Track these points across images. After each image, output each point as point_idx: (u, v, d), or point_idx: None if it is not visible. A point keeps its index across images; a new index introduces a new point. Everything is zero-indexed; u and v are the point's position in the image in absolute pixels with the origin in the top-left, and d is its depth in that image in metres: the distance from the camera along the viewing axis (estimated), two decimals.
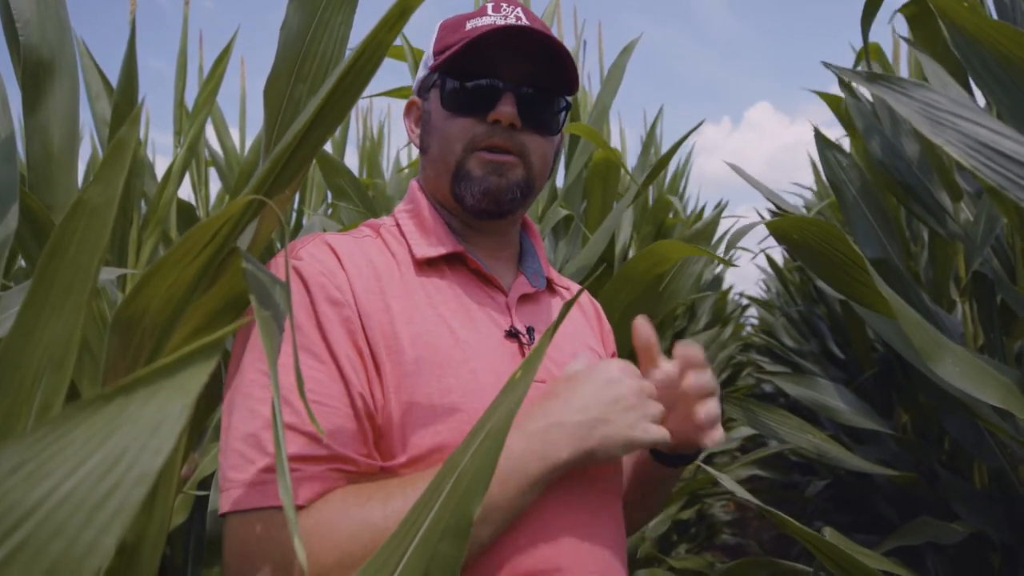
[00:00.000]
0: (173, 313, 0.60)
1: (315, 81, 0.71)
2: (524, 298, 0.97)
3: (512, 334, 0.90)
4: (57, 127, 0.84)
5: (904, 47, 2.46)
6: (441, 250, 0.92)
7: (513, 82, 0.91)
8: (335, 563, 0.69)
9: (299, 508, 0.71)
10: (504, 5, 0.94)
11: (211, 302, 0.69)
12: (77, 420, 0.30)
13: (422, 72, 0.99)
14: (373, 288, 0.84)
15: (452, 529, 0.49)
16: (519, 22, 0.91)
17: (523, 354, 0.90)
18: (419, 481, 0.72)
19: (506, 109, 0.89)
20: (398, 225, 0.97)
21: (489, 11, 0.93)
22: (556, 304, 1.03)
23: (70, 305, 0.52)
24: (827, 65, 1.27)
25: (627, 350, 0.94)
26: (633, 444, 0.78)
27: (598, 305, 1.18)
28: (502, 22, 0.90)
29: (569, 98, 0.97)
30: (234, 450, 0.73)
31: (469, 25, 0.92)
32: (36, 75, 0.81)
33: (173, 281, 0.57)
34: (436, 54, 0.95)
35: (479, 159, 0.90)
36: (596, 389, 0.79)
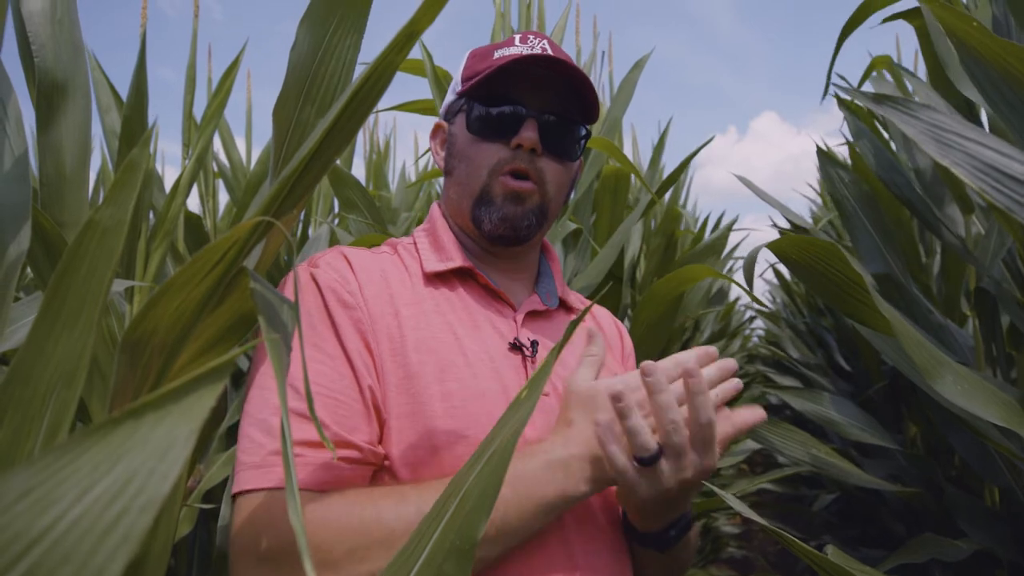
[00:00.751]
0: (182, 332, 0.61)
1: (323, 103, 0.72)
2: (534, 315, 0.99)
3: (516, 346, 0.92)
4: (69, 146, 0.86)
5: (918, 52, 2.46)
6: (451, 264, 0.95)
7: (536, 109, 0.94)
8: (345, 553, 0.70)
9: (304, 491, 0.74)
10: (531, 37, 0.97)
11: (219, 321, 0.69)
12: (86, 445, 0.30)
13: (450, 97, 1.03)
14: (383, 295, 0.89)
15: (456, 550, 0.49)
16: (544, 53, 0.94)
17: (525, 366, 0.91)
18: (434, 488, 0.73)
19: (528, 135, 0.93)
20: (415, 244, 1.01)
21: (517, 42, 0.97)
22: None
23: (81, 323, 0.53)
24: (836, 84, 1.28)
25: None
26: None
27: (621, 326, 1.19)
28: (528, 52, 0.94)
29: (589, 127, 1.01)
30: (246, 435, 0.77)
31: (497, 54, 0.96)
32: (50, 96, 0.82)
33: (182, 301, 0.58)
34: (464, 80, 0.99)
35: (502, 184, 0.94)
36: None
